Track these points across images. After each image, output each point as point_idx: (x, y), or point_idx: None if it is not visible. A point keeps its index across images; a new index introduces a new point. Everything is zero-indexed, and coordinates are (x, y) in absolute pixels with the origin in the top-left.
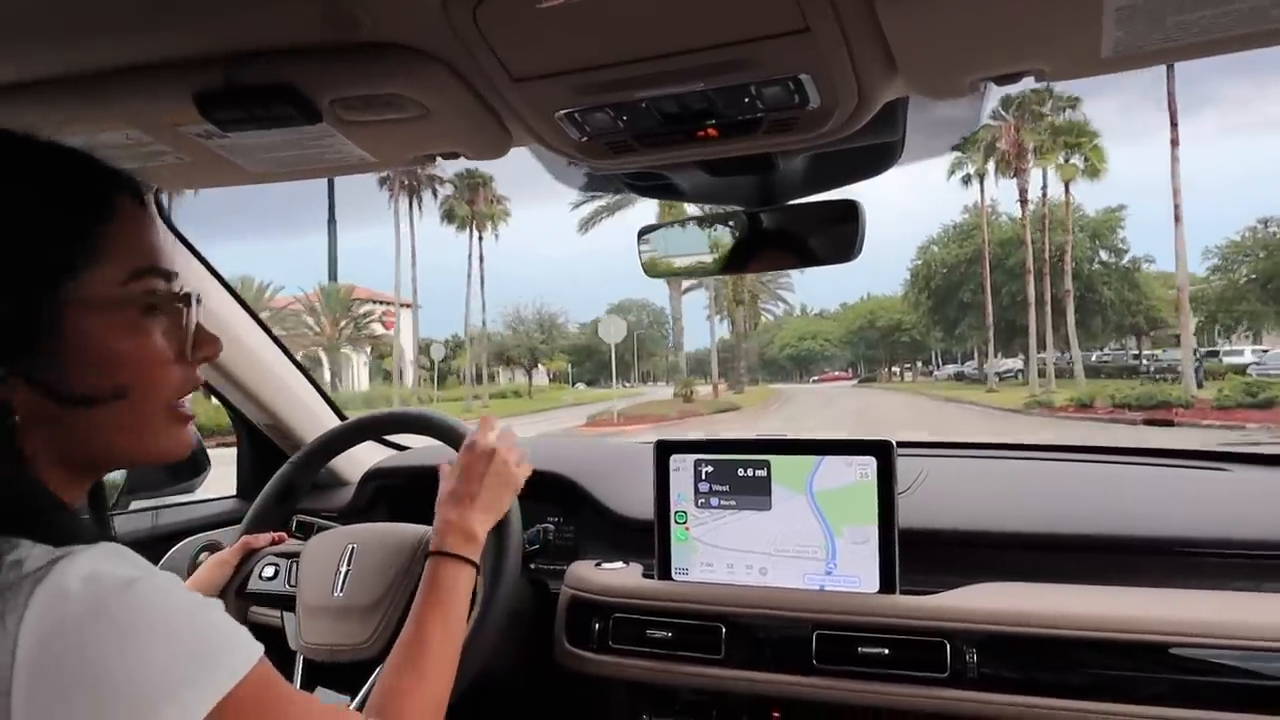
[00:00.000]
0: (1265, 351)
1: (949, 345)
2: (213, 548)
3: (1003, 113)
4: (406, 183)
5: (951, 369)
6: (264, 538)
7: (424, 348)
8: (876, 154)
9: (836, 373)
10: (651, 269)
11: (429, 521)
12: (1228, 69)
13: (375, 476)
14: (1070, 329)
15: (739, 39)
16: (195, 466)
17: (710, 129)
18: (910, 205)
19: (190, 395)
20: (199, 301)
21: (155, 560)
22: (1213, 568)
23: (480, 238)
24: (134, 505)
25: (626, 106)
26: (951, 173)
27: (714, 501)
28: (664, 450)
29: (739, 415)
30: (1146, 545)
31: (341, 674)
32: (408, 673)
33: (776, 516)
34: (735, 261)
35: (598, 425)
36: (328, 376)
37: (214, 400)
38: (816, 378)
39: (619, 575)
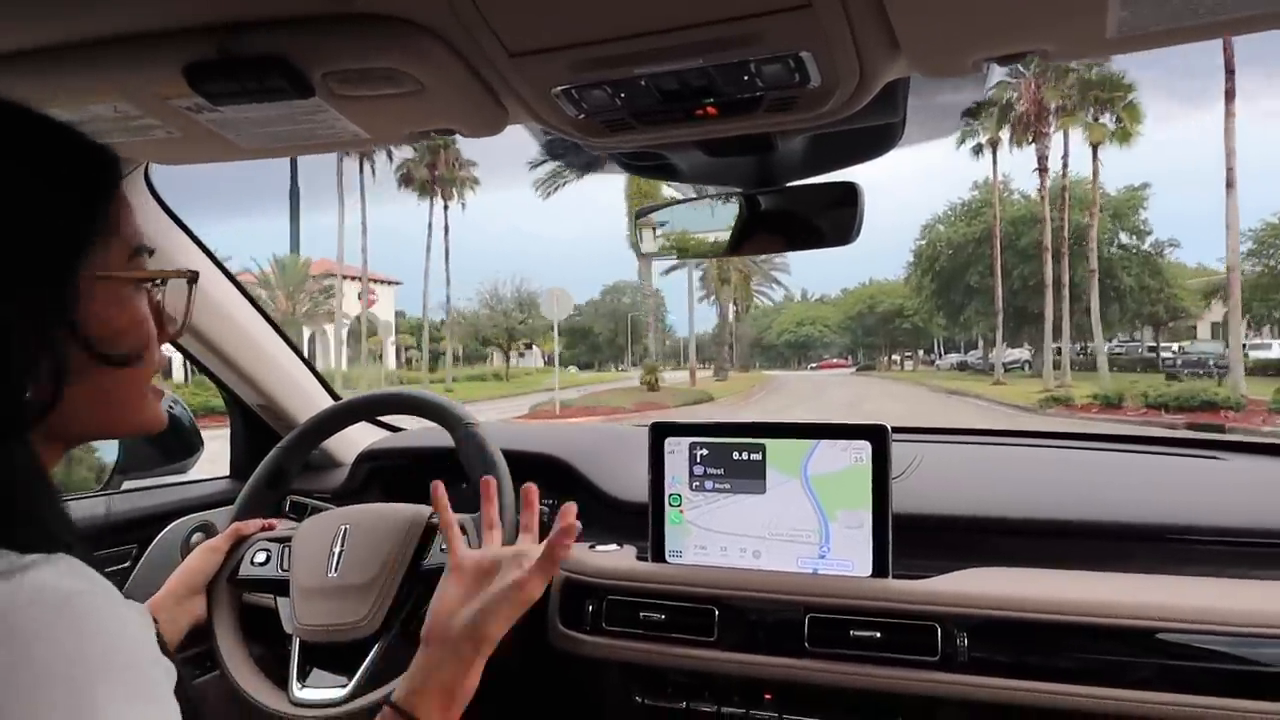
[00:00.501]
0: None
1: (953, 333)
2: (206, 528)
3: (1022, 69)
4: None
5: (954, 358)
6: (254, 524)
7: (411, 329)
8: (877, 135)
9: (835, 360)
10: (647, 251)
11: (423, 503)
12: (1244, 59)
13: (369, 458)
14: (1094, 316)
15: (739, 14)
16: (188, 447)
17: (709, 107)
18: (912, 197)
19: None
20: (165, 283)
21: (149, 539)
22: (1203, 554)
23: (445, 206)
24: (126, 485)
25: (624, 83)
26: (961, 142)
27: (709, 485)
28: (659, 433)
29: (711, 408)
30: (1138, 532)
31: (338, 654)
32: None
33: (771, 500)
34: (733, 243)
35: (537, 417)
36: None
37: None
38: (814, 365)
39: (613, 557)
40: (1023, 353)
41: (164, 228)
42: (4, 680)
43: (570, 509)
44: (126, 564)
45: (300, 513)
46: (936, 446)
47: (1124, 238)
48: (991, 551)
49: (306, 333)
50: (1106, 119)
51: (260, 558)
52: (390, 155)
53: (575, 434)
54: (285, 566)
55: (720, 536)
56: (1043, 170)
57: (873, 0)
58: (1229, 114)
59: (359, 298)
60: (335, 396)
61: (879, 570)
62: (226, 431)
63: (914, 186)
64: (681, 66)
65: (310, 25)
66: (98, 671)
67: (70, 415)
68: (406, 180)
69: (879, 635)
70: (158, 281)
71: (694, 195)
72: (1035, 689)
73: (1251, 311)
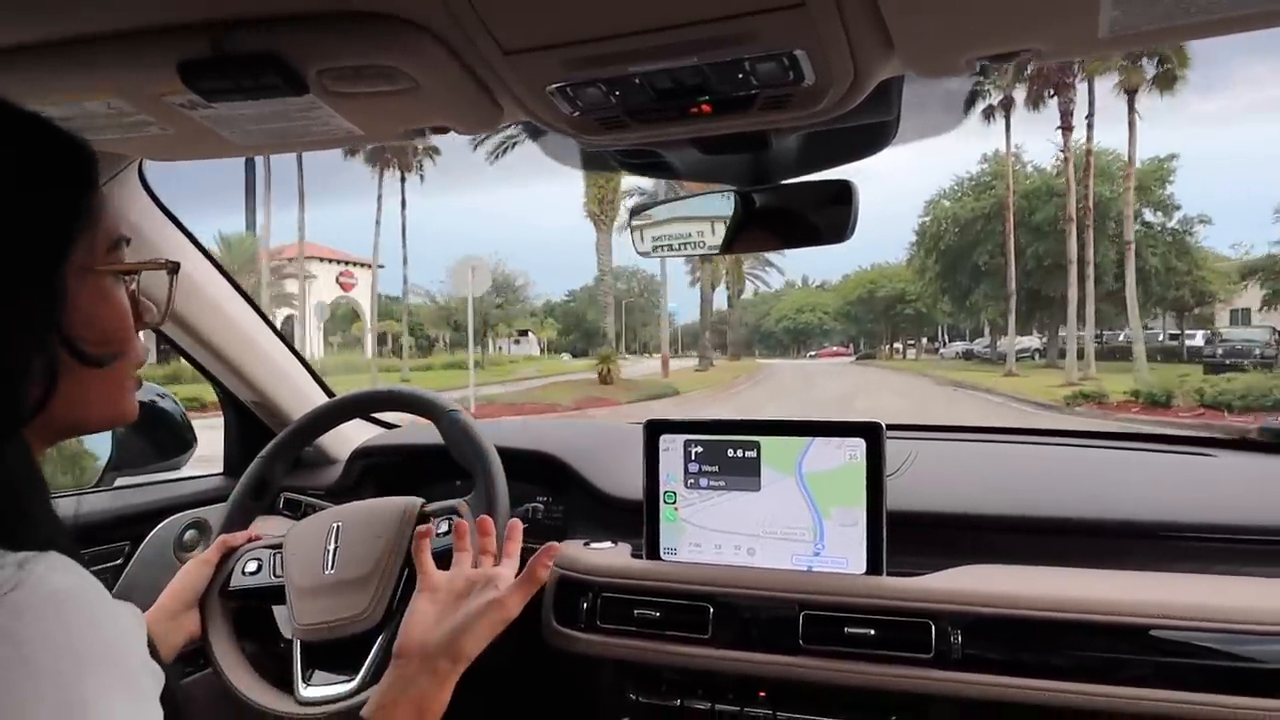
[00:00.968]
0: None
1: (958, 319)
2: (199, 526)
3: None
4: None
5: (959, 346)
6: (241, 535)
7: (395, 314)
8: (871, 134)
9: (835, 348)
10: (643, 247)
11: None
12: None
13: (363, 455)
14: (1130, 295)
15: (733, 13)
16: (181, 443)
17: (703, 105)
18: (913, 180)
19: None
20: (139, 275)
21: (142, 536)
22: (1196, 551)
23: (403, 178)
24: (119, 482)
25: (619, 81)
26: (969, 107)
27: (703, 482)
28: (654, 430)
29: (675, 403)
30: (1131, 529)
31: (341, 654)
32: None
33: (765, 497)
34: (727, 241)
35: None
36: None
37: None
38: (813, 353)
39: (607, 555)
40: (1032, 340)
41: (158, 224)
42: None
43: (554, 546)
44: (119, 561)
45: (295, 509)
46: (931, 443)
47: (1149, 214)
48: (985, 549)
49: (282, 315)
50: (1145, 61)
51: (251, 567)
52: None
53: (571, 431)
54: (278, 572)
55: (715, 534)
56: (1066, 128)
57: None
58: None
59: (336, 281)
60: (329, 392)
61: (873, 568)
62: (219, 420)
63: (917, 165)
64: (676, 64)
65: (304, 23)
66: (87, 666)
67: (56, 411)
68: (351, 151)
69: (873, 633)
70: (127, 271)
71: (688, 193)
72: (1029, 686)
73: None
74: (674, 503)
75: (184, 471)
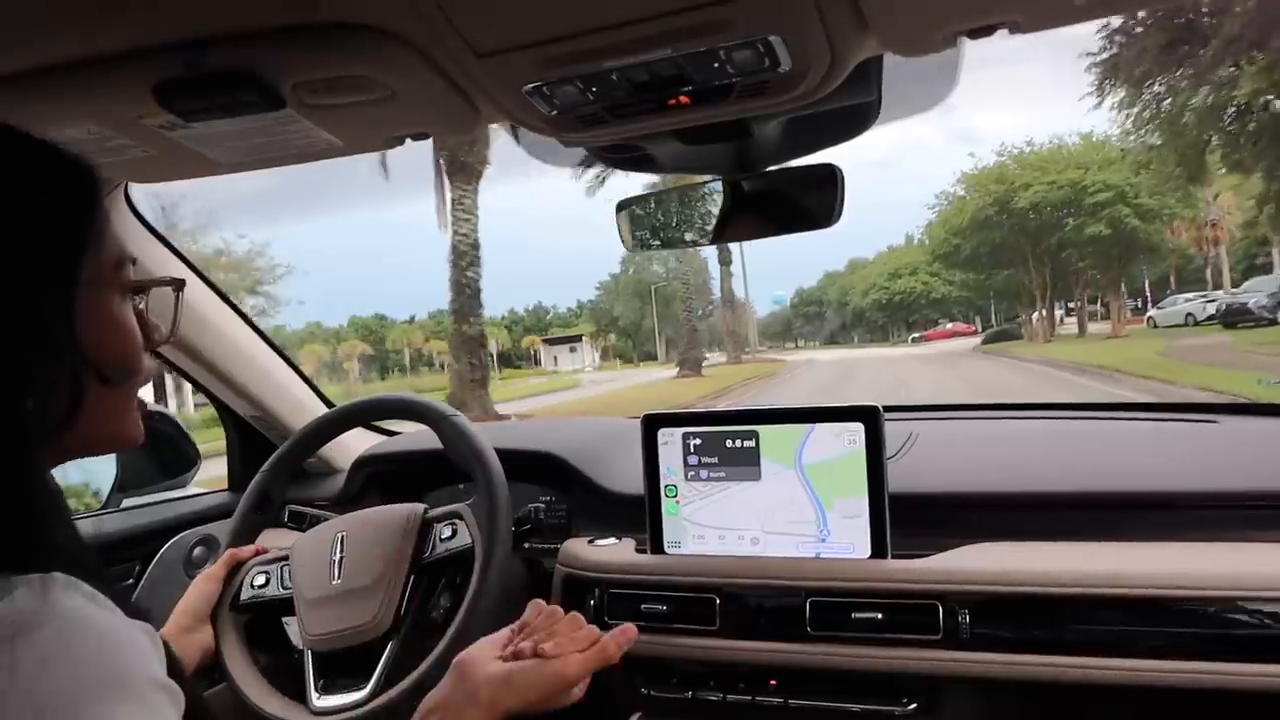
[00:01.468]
0: None
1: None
2: (208, 542)
3: None
4: None
5: (1188, 302)
6: (248, 549)
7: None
8: (853, 115)
9: (951, 326)
10: (631, 243)
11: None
12: None
13: (366, 463)
14: None
15: (704, 2)
16: (186, 461)
17: (682, 96)
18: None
19: None
20: (147, 293)
21: (151, 556)
22: (1202, 520)
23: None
24: (126, 502)
25: (595, 78)
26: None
27: (703, 474)
28: (652, 424)
29: None
30: (1136, 500)
31: (351, 662)
32: None
33: (766, 488)
34: (717, 230)
35: None
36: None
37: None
38: (917, 335)
39: (612, 551)
40: (1255, 296)
41: (148, 245)
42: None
43: (630, 628)
44: (129, 581)
45: (300, 522)
46: (931, 423)
47: None
48: (990, 527)
49: None
50: None
51: (260, 580)
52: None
53: (571, 430)
54: (286, 584)
55: (718, 527)
56: None
57: None
58: None
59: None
60: (328, 403)
61: (878, 551)
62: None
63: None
64: (651, 58)
65: (276, 37)
66: (96, 689)
67: (71, 433)
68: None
69: (880, 616)
70: (136, 289)
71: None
72: (1039, 662)
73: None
74: (675, 496)
75: (189, 489)
